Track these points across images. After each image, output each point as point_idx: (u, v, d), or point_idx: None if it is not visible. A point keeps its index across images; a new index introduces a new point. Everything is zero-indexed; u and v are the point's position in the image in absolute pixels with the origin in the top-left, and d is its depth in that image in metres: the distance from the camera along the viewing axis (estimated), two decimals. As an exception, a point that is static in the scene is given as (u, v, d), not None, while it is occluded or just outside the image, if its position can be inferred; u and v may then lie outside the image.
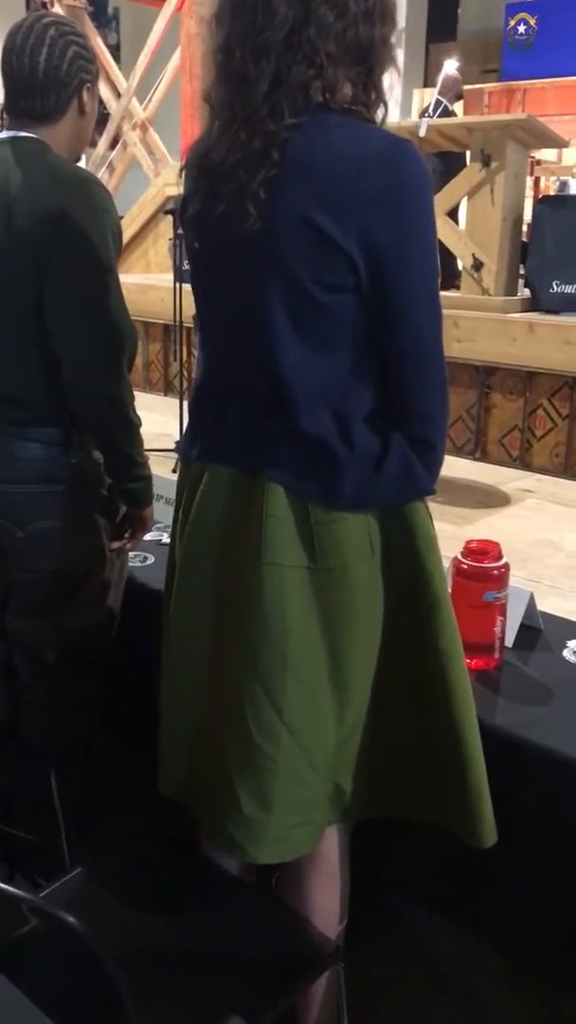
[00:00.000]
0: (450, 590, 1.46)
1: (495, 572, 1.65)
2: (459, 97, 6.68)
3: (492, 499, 3.98)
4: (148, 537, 2.02)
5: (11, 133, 1.73)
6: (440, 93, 6.16)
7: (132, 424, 1.77)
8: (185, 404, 4.64)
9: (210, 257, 1.33)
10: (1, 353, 1.71)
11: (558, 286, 4.45)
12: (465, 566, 1.65)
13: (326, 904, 1.57)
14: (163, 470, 1.91)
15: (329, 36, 1.19)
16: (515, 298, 4.62)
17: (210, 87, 1.28)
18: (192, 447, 1.43)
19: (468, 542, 1.70)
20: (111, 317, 1.69)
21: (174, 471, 4.15)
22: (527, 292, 4.70)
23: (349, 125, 1.22)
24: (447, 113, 6.17)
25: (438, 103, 6.11)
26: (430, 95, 7.17)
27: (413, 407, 1.31)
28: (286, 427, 1.29)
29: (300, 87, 1.19)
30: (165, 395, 5.76)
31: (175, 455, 4.32)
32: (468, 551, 1.68)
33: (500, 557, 1.67)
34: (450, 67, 6.21)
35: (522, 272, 4.76)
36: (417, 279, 1.24)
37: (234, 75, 1.23)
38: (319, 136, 1.20)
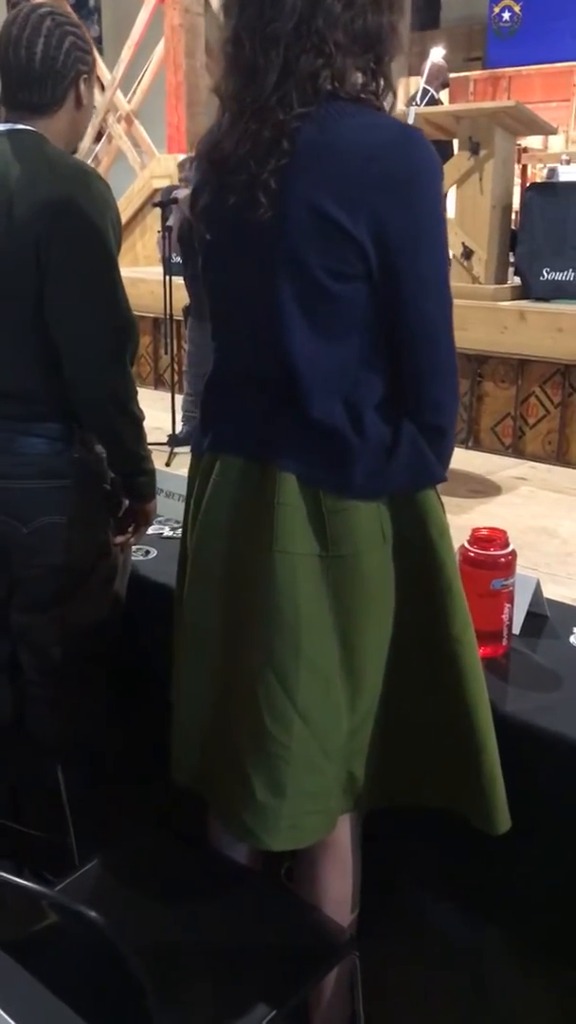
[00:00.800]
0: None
1: (502, 560, 1.65)
2: (445, 85, 6.68)
3: (485, 487, 3.99)
4: (149, 531, 2.01)
5: (8, 126, 1.71)
6: (426, 82, 6.15)
7: (136, 419, 1.76)
8: (178, 398, 4.64)
9: (221, 248, 1.33)
10: (2, 348, 1.70)
11: (548, 273, 4.46)
12: (472, 554, 1.65)
13: (339, 892, 1.57)
14: (157, 464, 1.93)
15: (337, 26, 1.19)
16: (505, 286, 4.62)
17: (220, 79, 1.28)
18: (203, 438, 1.42)
19: (475, 530, 1.70)
20: (115, 310, 1.68)
21: (167, 464, 4.15)
22: (517, 280, 4.70)
23: (360, 113, 1.22)
24: (434, 102, 6.16)
25: (425, 92, 6.10)
26: (415, 84, 7.16)
27: (424, 395, 1.31)
28: (297, 416, 1.29)
29: (309, 77, 1.19)
30: (156, 389, 5.74)
31: (167, 448, 4.32)
32: (475, 539, 1.68)
33: (507, 544, 1.67)
34: (436, 55, 6.19)
35: (512, 260, 4.76)
36: (427, 266, 1.24)
37: (243, 66, 1.23)
38: (330, 125, 1.20)
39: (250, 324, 1.32)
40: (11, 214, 1.62)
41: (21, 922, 1.26)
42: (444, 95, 6.94)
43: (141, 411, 1.78)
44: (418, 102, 5.92)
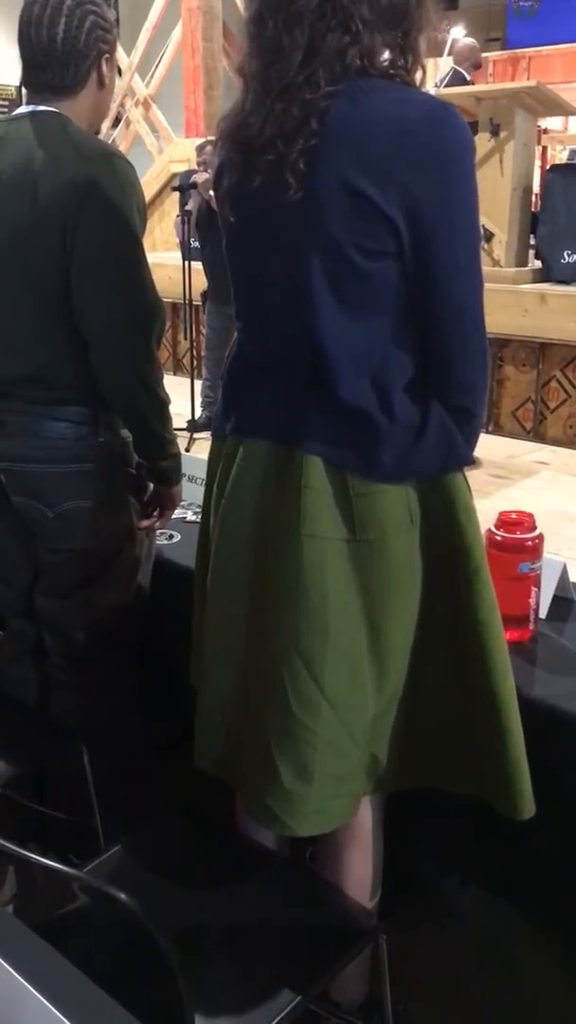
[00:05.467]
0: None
1: (529, 543, 1.64)
2: (477, 66, 6.50)
3: (507, 472, 3.97)
4: (173, 515, 2.01)
5: (30, 107, 1.70)
6: (456, 62, 6.06)
7: (162, 402, 1.76)
8: (197, 383, 4.64)
9: (247, 229, 1.32)
10: (28, 332, 1.70)
11: (569, 256, 4.43)
12: (499, 538, 1.64)
13: (361, 876, 1.57)
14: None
15: (363, 1, 1.18)
16: (526, 269, 4.59)
17: (243, 60, 1.26)
18: (226, 421, 1.41)
19: (502, 513, 1.68)
20: (141, 293, 1.67)
21: (187, 450, 4.16)
22: (538, 263, 4.67)
23: (392, 89, 1.21)
24: (465, 82, 6.04)
25: (456, 73, 6.00)
26: (432, 64, 7.07)
27: (453, 375, 1.29)
28: (325, 398, 1.28)
29: (336, 55, 1.18)
30: (175, 374, 5.74)
31: (187, 433, 4.32)
32: (502, 522, 1.66)
33: (534, 528, 1.65)
34: (456, 34, 6.13)
35: (532, 242, 4.72)
36: (459, 244, 1.23)
37: (267, 46, 1.21)
38: (361, 101, 1.18)
39: (277, 305, 1.30)
40: (36, 197, 1.61)
41: (52, 904, 1.27)
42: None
43: (167, 394, 1.77)
44: (438, 83, 5.85)
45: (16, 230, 1.65)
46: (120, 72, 7.08)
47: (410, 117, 1.18)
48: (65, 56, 1.66)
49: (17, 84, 1.98)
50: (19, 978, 0.76)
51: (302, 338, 1.27)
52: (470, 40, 6.22)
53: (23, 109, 1.71)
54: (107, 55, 1.72)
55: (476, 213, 1.26)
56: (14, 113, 1.73)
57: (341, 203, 1.19)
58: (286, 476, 1.32)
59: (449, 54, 6.18)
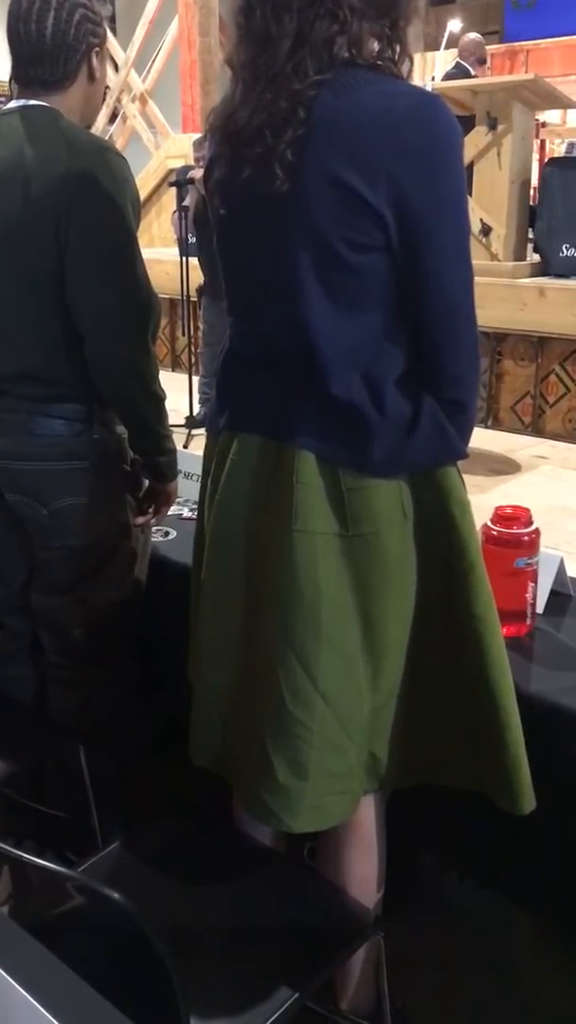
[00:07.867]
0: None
1: (526, 538, 1.63)
2: (482, 62, 6.46)
3: (506, 467, 3.97)
4: (169, 511, 2.00)
5: (21, 102, 1.69)
6: (461, 56, 6.04)
7: (158, 397, 1.75)
8: (195, 379, 4.63)
9: (236, 222, 1.31)
10: (22, 328, 1.69)
11: (568, 250, 4.41)
12: (496, 532, 1.63)
13: (363, 873, 1.56)
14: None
15: None
16: (524, 263, 4.57)
17: (232, 49, 1.26)
18: (220, 416, 1.41)
19: (498, 508, 1.67)
20: (135, 287, 1.66)
21: (185, 446, 4.15)
22: (536, 257, 4.65)
23: (378, 80, 1.20)
24: (469, 77, 6.02)
25: (459, 67, 5.97)
26: (431, 58, 7.07)
27: (444, 369, 1.28)
28: (316, 392, 1.27)
29: (324, 43, 1.17)
30: (173, 370, 5.73)
31: (185, 429, 4.31)
32: (498, 517, 1.65)
33: (530, 523, 1.64)
34: (453, 27, 6.13)
35: (531, 236, 4.71)
36: (448, 237, 1.22)
37: (256, 35, 1.20)
38: (347, 92, 1.17)
39: (267, 299, 1.30)
40: (28, 191, 1.60)
41: (47, 904, 1.26)
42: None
43: (163, 390, 1.77)
44: (430, 77, 5.84)
45: (9, 225, 1.64)
46: (116, 67, 7.06)
47: (397, 109, 1.16)
48: (55, 50, 1.65)
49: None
50: (11, 981, 0.75)
51: (292, 333, 1.27)
52: (476, 35, 6.20)
53: (13, 104, 1.70)
54: (97, 48, 1.71)
55: (465, 205, 1.25)
56: (4, 108, 1.72)
57: (328, 197, 1.18)
58: (279, 471, 1.31)
59: (447, 48, 6.17)
